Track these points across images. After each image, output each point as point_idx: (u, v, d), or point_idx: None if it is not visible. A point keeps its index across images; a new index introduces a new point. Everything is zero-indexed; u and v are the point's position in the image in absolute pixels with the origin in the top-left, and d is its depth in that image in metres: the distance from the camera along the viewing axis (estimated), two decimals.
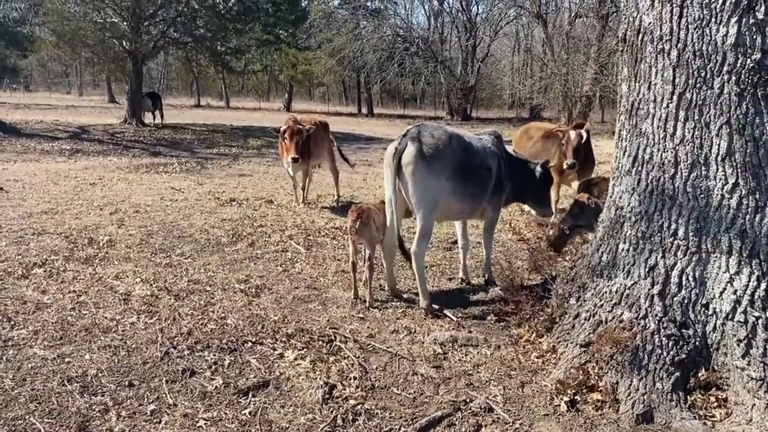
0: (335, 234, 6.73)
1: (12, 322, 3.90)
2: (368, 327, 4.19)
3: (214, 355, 3.62)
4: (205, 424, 2.92)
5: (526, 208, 8.04)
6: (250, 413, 3.03)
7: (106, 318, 4.04)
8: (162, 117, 24.07)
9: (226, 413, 3.02)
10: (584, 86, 29.79)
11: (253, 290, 4.73)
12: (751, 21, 3.05)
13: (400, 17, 45.00)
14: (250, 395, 3.21)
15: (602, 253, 3.79)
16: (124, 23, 22.02)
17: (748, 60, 3.07)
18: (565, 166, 7.35)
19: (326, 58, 40.32)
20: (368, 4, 44.96)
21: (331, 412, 3.09)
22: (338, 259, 5.75)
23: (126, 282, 4.75)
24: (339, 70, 42.63)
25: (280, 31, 26.04)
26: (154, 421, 2.93)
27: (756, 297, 3.20)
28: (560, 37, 33.02)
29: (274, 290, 4.79)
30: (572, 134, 7.23)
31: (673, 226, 3.37)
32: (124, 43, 22.21)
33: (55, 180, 9.95)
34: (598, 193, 5.66)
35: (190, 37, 24.34)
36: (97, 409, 2.97)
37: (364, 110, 46.82)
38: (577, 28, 33.05)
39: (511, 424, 3.10)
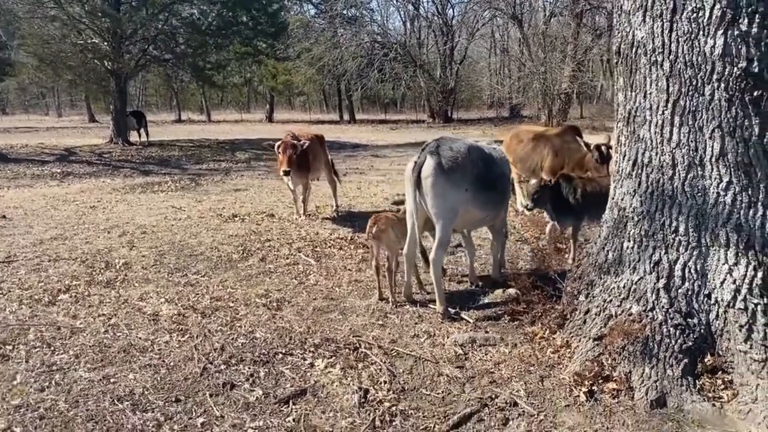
0: (341, 244, 6.94)
1: (51, 348, 4.08)
2: (389, 333, 4.41)
3: (249, 368, 3.82)
4: (254, 431, 3.13)
5: (520, 208, 8.34)
6: (294, 420, 3.24)
7: (140, 338, 4.23)
8: (147, 135, 24.13)
9: (271, 421, 3.23)
10: (562, 84, 30.26)
11: (275, 304, 4.93)
12: (736, 33, 3.32)
13: (377, 23, 45.36)
14: (291, 403, 3.41)
15: (608, 251, 4.05)
16: (105, 43, 22.07)
17: (735, 68, 3.34)
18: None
19: (306, 67, 40.54)
20: (345, 12, 45.15)
21: (369, 414, 3.30)
22: (348, 269, 5.96)
23: (151, 303, 4.94)
24: (319, 78, 42.84)
25: (259, 43, 26.17)
26: (208, 430, 3.12)
27: (754, 285, 3.47)
28: (536, 37, 33.49)
29: (293, 303, 5.00)
30: (603, 148, 7.38)
31: (674, 224, 3.63)
32: (106, 63, 22.24)
33: (55, 205, 10.04)
34: (577, 190, 5.88)
35: (171, 54, 24.43)
36: (151, 425, 3.16)
37: (346, 117, 47.05)
38: (552, 27, 33.56)
39: (536, 416, 3.33)
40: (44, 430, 3.10)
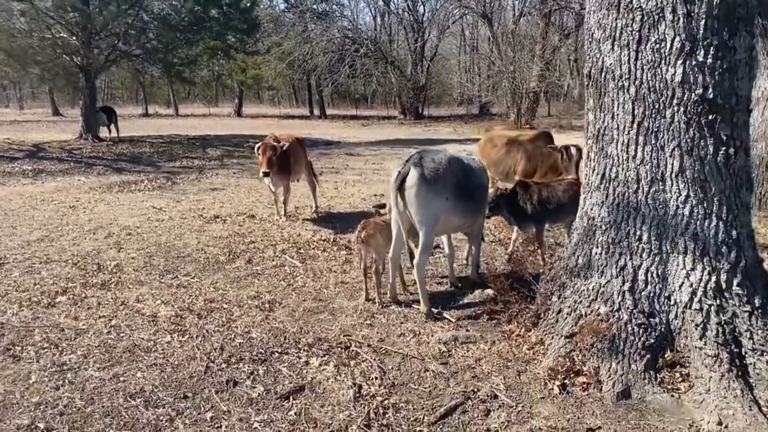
0: (324, 246, 7.22)
1: (59, 348, 4.30)
2: (377, 332, 4.73)
3: (249, 366, 4.10)
4: (260, 425, 3.42)
5: None
6: (295, 414, 3.54)
7: (143, 339, 4.47)
8: (118, 131, 23.95)
9: (275, 415, 3.52)
10: (531, 82, 30.87)
11: (266, 305, 5.21)
12: (693, 63, 3.71)
13: (347, 19, 45.46)
14: (291, 399, 3.71)
15: (578, 256, 4.42)
16: (74, 38, 21.84)
17: (693, 94, 3.74)
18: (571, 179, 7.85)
19: (276, 62, 40.48)
20: (315, 7, 45.12)
21: (364, 408, 3.62)
22: (334, 271, 6.26)
23: (148, 304, 5.17)
24: (289, 73, 42.82)
25: (229, 37, 26.11)
26: (215, 426, 3.41)
27: (708, 288, 3.87)
28: (506, 36, 34.09)
29: (284, 304, 5.28)
30: (573, 149, 7.73)
31: (638, 233, 4.02)
32: (76, 58, 22.01)
33: (34, 205, 10.10)
34: (533, 196, 6.22)
35: (141, 49, 24.26)
36: (164, 420, 3.43)
37: (316, 112, 47.10)
38: (521, 27, 34.22)
39: (514, 407, 3.69)
40: (65, 426, 3.35)
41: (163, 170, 15.72)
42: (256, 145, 8.36)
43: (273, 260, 6.62)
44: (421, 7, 43.18)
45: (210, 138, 25.15)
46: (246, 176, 13.87)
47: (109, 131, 23.78)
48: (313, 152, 19.92)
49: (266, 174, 8.15)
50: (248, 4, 25.24)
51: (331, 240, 7.50)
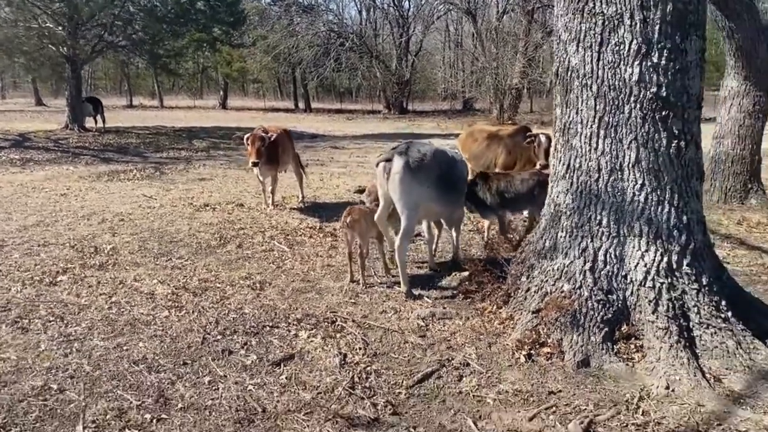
0: (311, 233, 7.58)
1: (64, 321, 4.62)
2: (361, 309, 5.10)
3: (243, 338, 4.46)
4: (254, 387, 3.77)
5: None
6: (286, 378, 3.90)
7: (142, 314, 4.80)
8: (104, 122, 24.03)
9: (268, 379, 3.88)
10: (513, 79, 31.37)
11: (257, 285, 5.56)
12: (649, 64, 4.11)
13: (333, 13, 45.62)
14: (282, 366, 4.07)
15: (545, 240, 4.82)
16: (59, 28, 21.89)
17: (648, 92, 4.14)
18: (539, 167, 8.28)
19: (261, 54, 40.55)
20: (300, 0, 45.17)
21: (348, 373, 3.99)
22: (320, 256, 6.62)
23: (145, 283, 5.50)
24: (275, 66, 42.94)
25: (215, 30, 26.23)
26: (213, 388, 3.76)
27: (660, 268, 4.28)
28: (489, 32, 34.49)
29: (274, 284, 5.63)
30: (542, 137, 8.16)
31: (599, 218, 4.42)
32: (62, 48, 22.08)
33: (25, 192, 10.33)
34: (492, 187, 6.54)
35: (127, 40, 24.35)
36: (166, 383, 3.77)
37: (301, 105, 47.25)
38: (505, 23, 34.61)
39: (484, 373, 4.07)
40: (76, 387, 3.68)
41: (150, 161, 15.92)
42: (246, 136, 8.66)
43: (262, 245, 6.96)
44: (407, 2, 43.58)
45: (196, 130, 25.28)
46: (233, 167, 14.14)
47: (95, 122, 23.84)
48: (298, 145, 20.13)
49: (255, 164, 8.46)
50: None
51: (318, 228, 7.85)
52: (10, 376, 3.76)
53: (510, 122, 27.08)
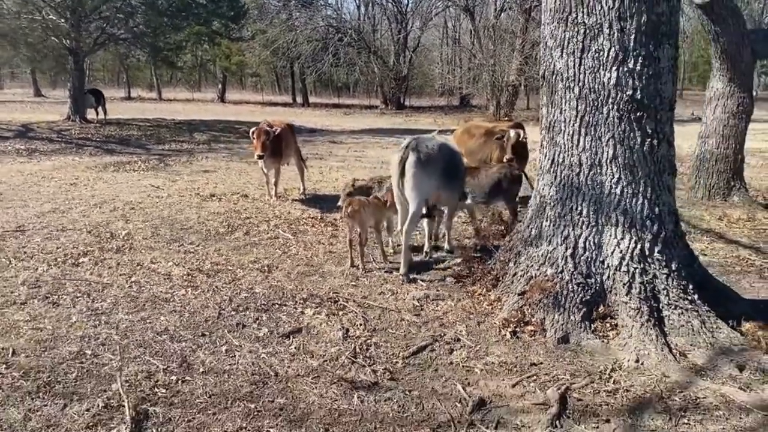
0: (313, 222, 8.01)
1: (91, 297, 5.05)
2: (361, 291, 5.54)
3: (254, 314, 4.89)
4: (266, 355, 4.21)
5: None
6: (295, 348, 4.34)
7: (161, 292, 5.24)
8: (105, 113, 24.36)
9: (279, 349, 4.32)
10: (510, 76, 31.78)
11: (266, 268, 6.00)
12: (625, 69, 4.55)
13: (332, 8, 45.91)
14: (291, 337, 4.51)
15: (531, 228, 5.26)
16: (62, 20, 22.20)
17: (624, 95, 4.58)
18: (505, 160, 8.81)
19: (260, 48, 40.85)
20: None
21: (350, 344, 4.42)
22: (322, 243, 7.05)
23: (162, 266, 5.93)
24: (273, 60, 43.20)
25: (215, 23, 26.56)
26: (230, 355, 4.19)
27: (634, 254, 4.73)
28: (487, 30, 34.90)
29: (281, 268, 6.07)
30: (512, 133, 8.65)
31: (579, 208, 4.86)
32: (65, 40, 22.39)
33: (36, 181, 10.71)
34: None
35: (129, 33, 24.68)
36: (188, 350, 4.21)
37: (299, 99, 47.55)
38: (502, 21, 35.02)
39: (473, 347, 4.51)
40: (105, 355, 4.10)
41: (153, 152, 16.28)
42: (251, 130, 9.07)
43: (267, 233, 7.39)
44: None
45: (196, 123, 25.61)
46: (235, 160, 14.54)
47: (97, 113, 24.16)
48: (297, 139, 20.56)
49: (260, 157, 8.88)
50: None
51: (319, 218, 8.28)
52: (49, 343, 4.20)
53: (506, 119, 27.52)
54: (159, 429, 3.29)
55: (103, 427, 3.27)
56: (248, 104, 43.68)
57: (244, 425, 3.36)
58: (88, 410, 3.41)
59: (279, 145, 9.23)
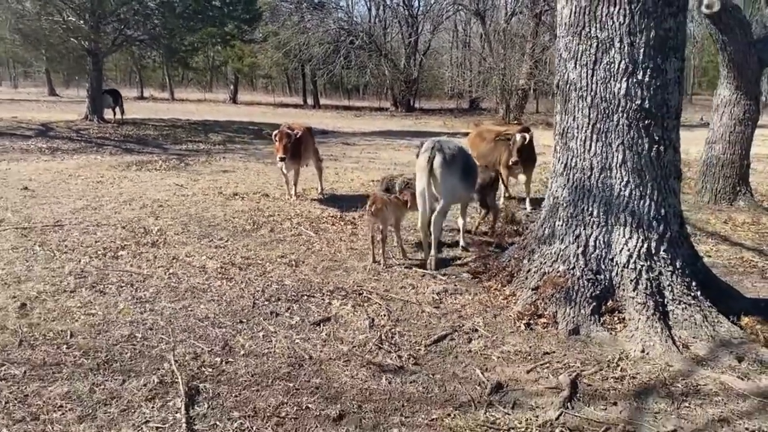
0: (333, 221, 8.38)
1: (134, 287, 5.43)
2: (383, 285, 5.90)
3: (286, 304, 5.26)
4: (300, 341, 4.58)
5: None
6: (326, 334, 4.70)
7: (198, 283, 5.62)
8: (123, 113, 24.82)
9: (311, 336, 4.68)
10: (520, 80, 32.11)
11: (293, 263, 6.37)
12: (634, 80, 4.90)
13: (343, 11, 46.34)
14: (321, 325, 4.87)
15: (545, 228, 5.61)
16: (81, 22, 22.69)
17: (633, 104, 4.92)
18: (511, 163, 9.21)
19: (272, 50, 41.31)
20: None
21: (376, 332, 4.78)
22: (343, 240, 7.42)
23: (196, 259, 6.31)
24: (285, 62, 43.66)
25: (228, 26, 26.99)
26: (267, 340, 4.56)
27: (641, 253, 5.07)
28: (497, 34, 35.24)
29: (307, 263, 6.44)
30: (518, 137, 9.06)
31: (590, 209, 5.21)
32: (84, 42, 22.89)
33: (64, 179, 11.10)
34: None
35: (147, 35, 25.16)
36: (228, 335, 4.58)
37: (309, 101, 48.01)
38: (513, 25, 35.36)
39: (490, 337, 4.86)
40: (154, 338, 4.48)
41: (171, 152, 16.67)
42: (274, 133, 9.44)
43: (291, 230, 7.77)
44: (416, 1, 44.27)
45: (210, 123, 26.04)
46: (252, 160, 14.92)
47: (114, 113, 24.63)
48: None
49: (282, 159, 9.23)
50: None
51: (339, 216, 8.65)
52: (102, 327, 4.59)
53: (516, 122, 27.85)
54: (210, 403, 3.65)
55: (161, 400, 3.64)
56: (260, 105, 44.18)
57: (285, 401, 3.72)
58: (145, 385, 3.78)
59: (299, 148, 9.60)
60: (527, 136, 9.14)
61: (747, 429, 3.71)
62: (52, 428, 3.30)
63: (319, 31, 39.48)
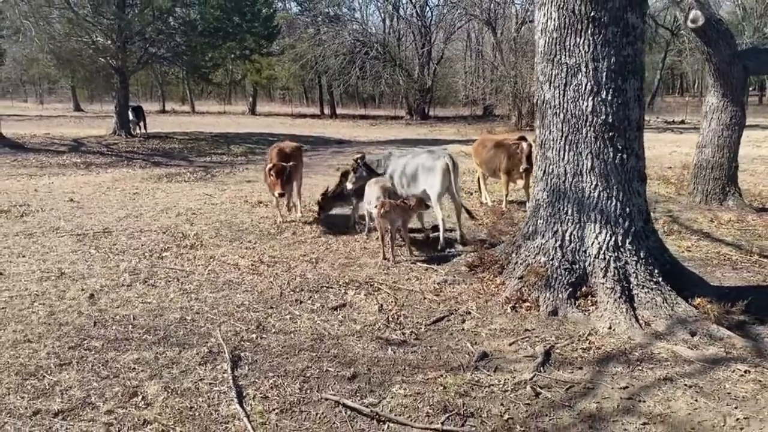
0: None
1: (180, 281, 6.42)
2: (392, 277, 6.83)
3: (308, 294, 6.21)
4: (321, 322, 5.51)
5: (483, 201, 10.86)
6: (342, 317, 5.64)
7: (233, 277, 6.59)
8: (146, 128, 26.05)
9: (329, 317, 5.62)
10: (531, 87, 32.84)
11: (314, 260, 7.33)
12: (599, 99, 5.79)
13: (358, 22, 47.46)
14: (338, 310, 5.81)
15: (529, 225, 6.50)
16: (108, 42, 23.98)
17: (599, 119, 5.81)
18: (522, 169, 10.06)
19: (289, 63, 42.53)
20: (327, 10, 46.96)
21: (384, 315, 5.70)
22: (357, 241, 8.36)
23: (230, 258, 7.30)
24: (302, 74, 44.88)
25: (248, 41, 28.17)
26: (294, 322, 5.50)
27: (609, 245, 5.92)
28: (508, 42, 36.10)
29: (326, 260, 7.39)
30: (524, 145, 9.90)
31: (566, 209, 6.09)
32: (112, 60, 24.18)
33: (103, 191, 12.22)
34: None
35: (171, 52, 26.44)
36: (261, 318, 5.54)
37: (326, 111, 49.16)
38: (523, 34, 36.16)
39: (481, 318, 5.75)
40: (201, 320, 5.45)
41: (197, 164, 17.75)
42: (268, 168, 8.97)
43: (311, 233, 8.73)
44: (429, 12, 45.22)
45: (231, 135, 27.12)
46: None
47: (138, 128, 25.86)
48: (327, 150, 21.95)
49: (281, 195, 9.09)
50: (269, 12, 27.40)
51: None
52: (157, 312, 5.58)
53: (529, 128, 28.66)
54: (250, 366, 4.60)
55: (211, 365, 4.59)
56: (278, 116, 45.41)
57: (309, 365, 4.66)
58: (197, 354, 4.74)
59: (290, 177, 9.21)
60: (532, 143, 9.98)
61: (686, 385, 4.55)
62: (131, 383, 4.27)
63: (335, 43, 40.67)
